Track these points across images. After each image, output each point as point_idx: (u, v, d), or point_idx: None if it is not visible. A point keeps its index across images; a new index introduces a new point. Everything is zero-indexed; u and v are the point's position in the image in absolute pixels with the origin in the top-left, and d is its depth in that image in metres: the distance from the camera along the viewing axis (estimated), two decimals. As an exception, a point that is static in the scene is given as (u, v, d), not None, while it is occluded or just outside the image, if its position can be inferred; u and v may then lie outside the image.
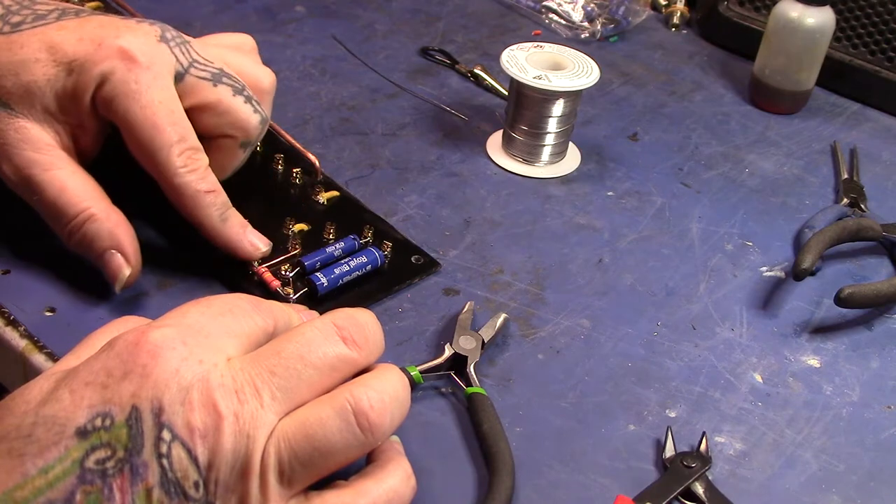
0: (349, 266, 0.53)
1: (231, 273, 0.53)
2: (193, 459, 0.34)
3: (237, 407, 0.35)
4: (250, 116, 0.52)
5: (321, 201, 0.59)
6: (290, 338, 0.38)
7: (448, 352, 0.50)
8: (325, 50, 0.79)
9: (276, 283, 0.51)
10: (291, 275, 0.52)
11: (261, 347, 0.38)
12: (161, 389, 0.34)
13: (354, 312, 0.40)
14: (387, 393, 0.38)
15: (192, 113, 0.50)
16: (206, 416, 0.34)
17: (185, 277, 0.53)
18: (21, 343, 0.48)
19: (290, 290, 0.51)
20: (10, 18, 0.49)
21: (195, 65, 0.50)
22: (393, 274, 0.55)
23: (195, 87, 0.50)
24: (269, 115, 0.55)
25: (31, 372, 0.47)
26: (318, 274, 0.52)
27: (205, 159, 0.50)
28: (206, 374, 0.35)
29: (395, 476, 0.39)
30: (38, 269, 0.52)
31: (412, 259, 0.56)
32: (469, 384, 0.49)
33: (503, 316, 0.53)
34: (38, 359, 0.47)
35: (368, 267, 0.54)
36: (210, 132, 0.52)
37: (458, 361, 0.50)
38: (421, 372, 0.49)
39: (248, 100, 0.52)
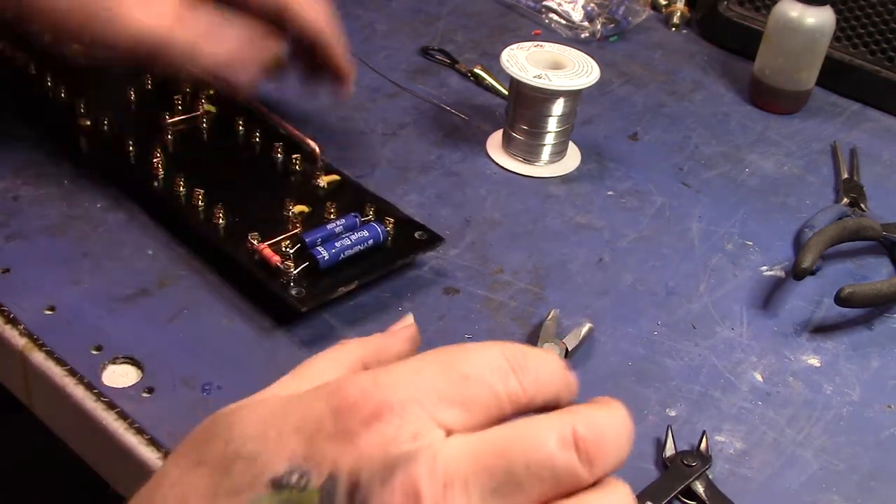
0: (350, 240, 0.52)
1: (231, 253, 0.52)
2: None
3: (440, 502, 0.30)
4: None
5: (322, 185, 0.58)
6: (521, 435, 0.32)
7: None
8: (325, 49, 0.78)
9: (276, 259, 0.51)
10: (292, 251, 0.51)
11: (488, 432, 0.32)
12: (363, 462, 0.30)
13: (599, 417, 0.33)
14: None
15: None
16: None
17: (184, 277, 0.53)
18: (21, 342, 0.48)
19: (291, 265, 0.51)
20: None
21: None
22: (396, 249, 0.54)
23: None
24: None
25: (30, 370, 0.47)
26: (318, 248, 0.51)
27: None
28: (416, 455, 0.30)
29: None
30: (37, 268, 0.52)
31: (415, 234, 0.55)
32: None
33: (588, 325, 0.53)
34: (38, 357, 0.47)
35: (370, 242, 0.53)
36: None
37: None
38: None
39: None
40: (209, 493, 0.31)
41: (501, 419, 0.32)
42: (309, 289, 0.50)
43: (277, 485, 0.31)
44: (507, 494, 0.31)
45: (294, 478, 0.30)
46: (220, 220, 0.53)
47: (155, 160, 0.56)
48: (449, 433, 0.31)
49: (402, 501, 0.30)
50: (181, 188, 0.55)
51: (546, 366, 0.33)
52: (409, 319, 0.39)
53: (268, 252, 0.51)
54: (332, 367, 0.35)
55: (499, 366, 0.32)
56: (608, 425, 0.32)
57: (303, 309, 0.49)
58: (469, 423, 0.32)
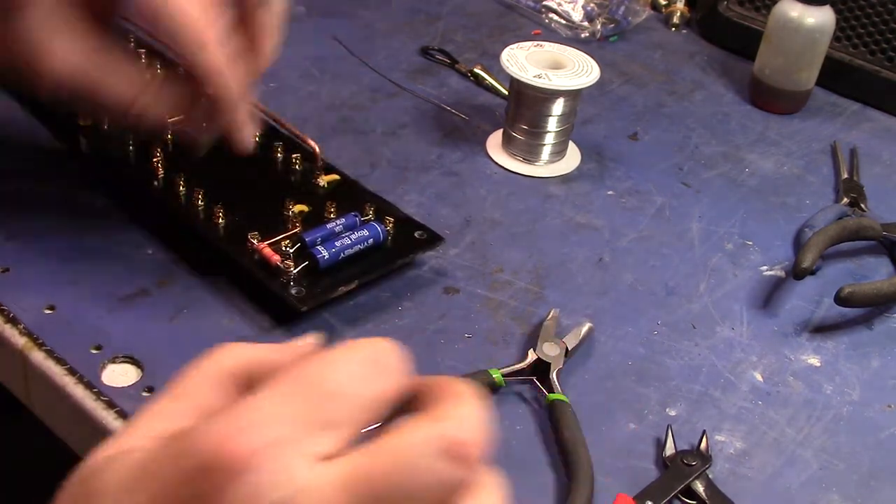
0: (350, 240, 0.52)
1: (231, 252, 0.52)
2: None
3: None
4: None
5: (322, 184, 0.58)
6: (397, 457, 0.30)
7: (531, 357, 0.50)
8: (325, 50, 0.79)
9: (276, 258, 0.51)
10: (292, 250, 0.51)
11: (361, 460, 0.30)
12: None
13: (469, 413, 0.31)
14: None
15: None
16: None
17: (184, 276, 0.53)
18: (20, 341, 0.48)
19: (291, 264, 0.50)
20: None
21: None
22: (396, 249, 0.54)
23: None
24: None
25: (30, 370, 0.47)
26: (318, 247, 0.51)
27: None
28: (293, 499, 0.28)
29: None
30: (37, 267, 0.52)
31: (415, 234, 0.55)
32: (551, 390, 0.49)
33: (588, 325, 0.53)
34: (38, 356, 0.47)
35: (370, 241, 0.53)
36: None
37: (540, 367, 0.50)
38: (503, 375, 0.49)
39: None
40: None
41: (379, 419, 0.31)
42: (309, 288, 0.50)
43: None
44: None
45: None
46: (220, 220, 0.53)
47: (155, 160, 0.56)
48: (325, 458, 0.29)
49: None
50: (181, 188, 0.55)
51: (397, 353, 0.31)
52: (311, 339, 0.35)
53: (267, 251, 0.51)
54: (210, 383, 0.32)
55: (363, 372, 0.31)
56: (476, 420, 0.31)
57: (303, 308, 0.49)
58: (342, 442, 0.30)
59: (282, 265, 0.50)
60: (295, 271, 0.50)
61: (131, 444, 0.30)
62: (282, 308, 0.51)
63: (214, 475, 0.27)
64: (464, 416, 0.31)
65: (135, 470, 0.29)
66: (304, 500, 0.27)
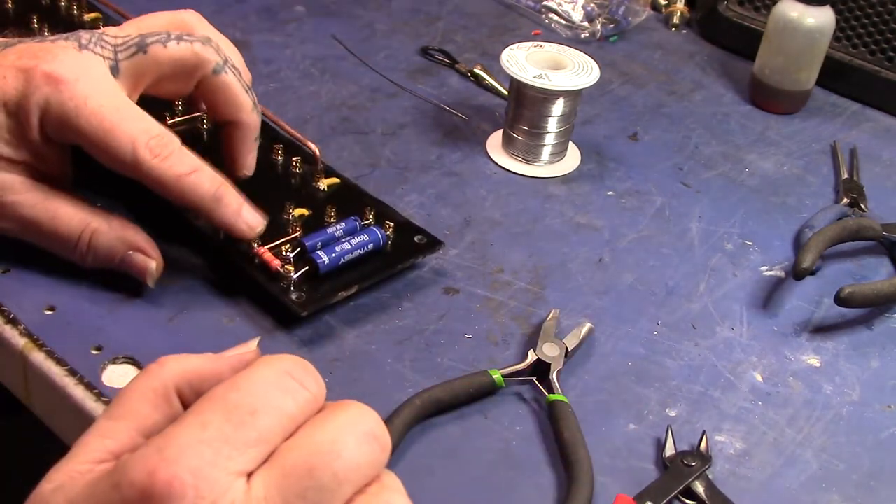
0: (350, 245, 0.52)
1: (231, 256, 0.52)
2: None
3: None
4: (192, 48, 0.50)
5: (322, 188, 0.58)
6: (320, 449, 0.31)
7: (531, 357, 0.50)
8: (325, 50, 0.79)
9: (276, 263, 0.51)
10: (292, 255, 0.51)
11: (285, 457, 0.31)
12: None
13: (359, 411, 0.33)
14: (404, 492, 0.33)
15: (154, 90, 0.51)
16: None
17: (185, 275, 0.53)
18: (21, 342, 0.48)
19: (291, 269, 0.51)
20: None
21: (118, 49, 0.49)
22: (396, 253, 0.54)
23: (134, 68, 0.49)
24: (212, 38, 0.52)
25: (30, 370, 0.47)
26: (318, 252, 0.51)
27: (175, 141, 0.48)
28: None
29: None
30: (37, 268, 0.52)
31: (415, 239, 0.55)
32: (551, 391, 0.49)
33: (588, 325, 0.53)
34: (38, 357, 0.47)
35: (370, 246, 0.53)
36: (182, 93, 0.53)
37: (539, 368, 0.50)
38: (503, 376, 0.49)
39: (178, 39, 0.50)
40: None
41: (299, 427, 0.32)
42: (309, 293, 0.50)
43: None
44: None
45: None
46: None
47: None
48: (251, 474, 0.30)
49: None
50: None
51: (309, 366, 0.33)
52: (252, 345, 0.36)
53: (268, 256, 0.51)
54: (149, 399, 0.33)
55: (283, 385, 0.32)
56: (363, 411, 0.33)
57: (303, 314, 0.49)
58: (268, 454, 0.31)
59: (282, 270, 0.50)
60: (295, 276, 0.50)
61: (77, 468, 0.31)
62: (282, 312, 0.51)
63: (149, 500, 0.29)
64: (360, 410, 0.32)
65: (79, 500, 0.30)
66: None
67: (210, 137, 0.61)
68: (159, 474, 0.29)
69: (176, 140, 0.49)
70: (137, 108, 0.48)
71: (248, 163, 0.55)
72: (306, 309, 0.49)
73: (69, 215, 0.49)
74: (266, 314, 0.52)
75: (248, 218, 0.51)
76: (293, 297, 0.50)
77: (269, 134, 0.61)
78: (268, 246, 0.52)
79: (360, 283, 0.52)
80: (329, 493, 0.30)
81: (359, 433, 0.32)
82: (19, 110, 0.47)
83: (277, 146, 0.60)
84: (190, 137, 0.60)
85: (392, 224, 0.55)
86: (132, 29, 0.51)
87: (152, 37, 0.50)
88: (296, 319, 0.51)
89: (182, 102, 0.62)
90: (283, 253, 0.52)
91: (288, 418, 0.32)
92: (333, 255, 0.51)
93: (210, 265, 0.54)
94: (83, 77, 0.47)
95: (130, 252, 0.50)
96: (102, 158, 0.48)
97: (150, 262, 0.50)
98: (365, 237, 0.53)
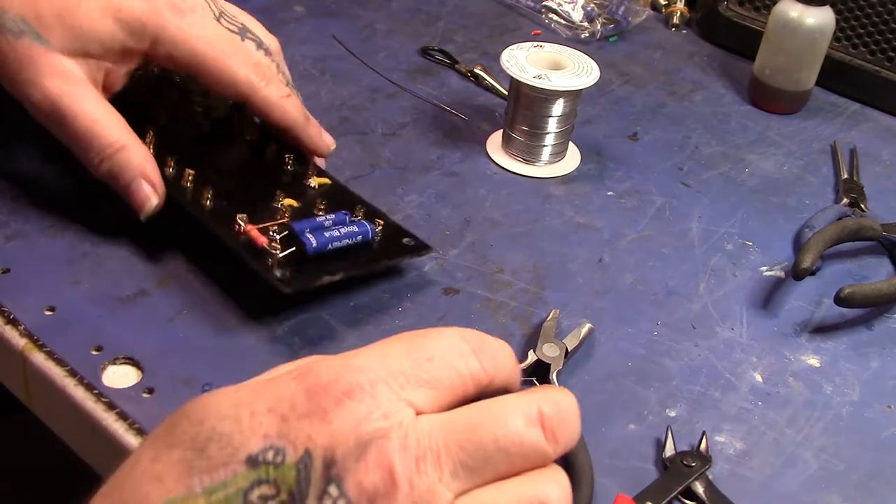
0: (339, 233, 0.52)
1: (217, 231, 0.51)
2: None
3: (414, 476, 0.31)
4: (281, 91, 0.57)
5: (313, 185, 0.58)
6: (490, 413, 0.34)
7: (531, 358, 0.50)
8: (325, 50, 0.79)
9: (263, 240, 0.50)
10: (279, 236, 0.51)
11: (457, 411, 0.34)
12: (338, 440, 0.31)
13: (560, 398, 0.35)
14: (566, 490, 0.34)
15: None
16: (378, 480, 0.31)
17: (184, 276, 0.53)
18: (21, 342, 0.48)
19: (278, 247, 0.50)
20: None
21: (223, 16, 0.55)
22: (383, 250, 0.54)
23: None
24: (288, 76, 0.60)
25: (30, 371, 0.47)
26: (308, 235, 0.51)
27: (273, 66, 0.57)
28: (388, 432, 0.32)
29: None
30: (37, 268, 0.52)
31: (403, 241, 0.55)
32: None
33: (588, 326, 0.53)
34: (38, 358, 0.47)
35: (359, 237, 0.52)
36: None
37: (539, 368, 0.50)
38: None
39: (268, 53, 0.57)
40: (184, 474, 0.31)
41: (466, 399, 0.34)
42: (294, 273, 0.49)
43: (253, 462, 0.31)
44: (477, 468, 0.33)
45: (270, 454, 0.31)
46: (208, 201, 0.53)
47: (147, 140, 0.55)
48: (418, 412, 0.33)
49: (376, 476, 0.31)
50: (170, 168, 0.54)
51: (501, 350, 0.36)
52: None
53: (255, 233, 0.50)
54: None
55: (459, 348, 0.34)
56: (567, 405, 0.35)
57: (287, 290, 0.48)
58: (436, 402, 0.33)
59: (268, 247, 0.50)
60: (281, 255, 0.50)
61: (233, 387, 0.34)
62: (268, 294, 0.50)
63: (331, 393, 0.32)
64: (558, 398, 0.35)
65: (250, 390, 0.33)
66: (400, 435, 0.31)
67: (210, 128, 0.61)
68: (345, 376, 0.32)
69: (274, 65, 0.57)
70: (240, 40, 0.55)
71: (318, 144, 0.60)
72: (290, 286, 0.48)
73: (109, 124, 0.52)
74: (266, 315, 0.51)
75: (327, 137, 0.59)
76: (277, 274, 0.49)
77: (266, 133, 0.61)
78: (256, 226, 0.51)
79: (347, 271, 0.51)
80: (484, 455, 0.32)
81: (532, 415, 0.34)
82: (140, 32, 0.52)
83: (272, 144, 0.60)
84: (185, 122, 0.60)
85: (381, 222, 0.55)
86: (233, 9, 0.57)
87: (251, 34, 0.57)
88: (288, 305, 0.50)
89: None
90: (271, 233, 0.51)
91: (458, 375, 0.34)
92: (322, 238, 0.51)
93: (210, 266, 0.54)
94: (197, 9, 0.54)
95: (141, 179, 0.52)
96: (214, 82, 0.54)
97: (154, 198, 0.52)
98: (354, 228, 0.52)
